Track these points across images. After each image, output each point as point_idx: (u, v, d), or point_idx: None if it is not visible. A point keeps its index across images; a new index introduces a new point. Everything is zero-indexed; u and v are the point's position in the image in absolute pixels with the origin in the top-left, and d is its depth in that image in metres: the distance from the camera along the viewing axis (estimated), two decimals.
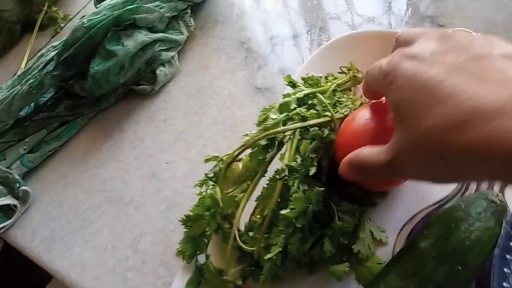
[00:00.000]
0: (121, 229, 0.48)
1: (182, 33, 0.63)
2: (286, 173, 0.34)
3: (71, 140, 0.60)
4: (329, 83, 0.41)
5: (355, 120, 0.34)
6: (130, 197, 0.51)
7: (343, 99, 0.39)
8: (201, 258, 0.37)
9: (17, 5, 0.82)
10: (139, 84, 0.61)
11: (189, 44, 0.64)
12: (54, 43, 0.60)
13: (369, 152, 0.27)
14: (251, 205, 0.38)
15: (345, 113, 0.37)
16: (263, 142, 0.36)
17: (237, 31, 0.63)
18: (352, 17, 0.59)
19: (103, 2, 0.61)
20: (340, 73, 0.44)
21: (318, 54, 0.48)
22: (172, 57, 0.62)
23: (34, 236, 0.51)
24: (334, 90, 0.40)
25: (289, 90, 0.43)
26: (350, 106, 0.38)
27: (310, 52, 0.57)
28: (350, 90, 0.44)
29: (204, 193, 0.39)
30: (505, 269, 0.27)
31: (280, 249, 0.31)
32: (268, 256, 0.31)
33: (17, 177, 0.55)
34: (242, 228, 0.38)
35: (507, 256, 0.27)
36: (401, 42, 0.27)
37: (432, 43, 0.24)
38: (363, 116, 0.34)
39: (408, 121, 0.23)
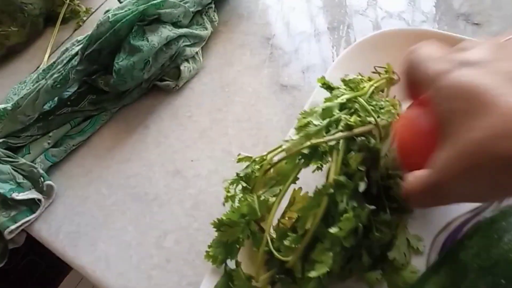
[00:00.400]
0: (145, 226, 0.48)
1: (206, 28, 0.63)
2: (333, 188, 0.32)
3: (95, 135, 0.60)
4: (367, 85, 0.40)
5: (413, 123, 0.32)
6: (155, 194, 0.50)
7: (382, 103, 0.38)
8: (230, 263, 0.37)
9: None
10: (162, 80, 0.60)
11: (213, 39, 0.64)
12: (79, 38, 0.60)
13: (411, 179, 0.26)
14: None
15: (389, 119, 0.36)
16: (305, 151, 0.35)
17: (262, 26, 0.62)
18: (376, 13, 0.58)
19: None
20: (373, 73, 0.43)
21: (347, 53, 0.47)
22: (196, 52, 0.61)
23: (58, 231, 0.52)
24: (372, 93, 0.39)
25: (319, 91, 0.42)
26: (393, 111, 0.37)
27: (336, 50, 0.55)
28: (383, 91, 0.43)
29: (233, 192, 0.38)
30: None
31: (328, 269, 0.30)
32: (314, 274, 0.30)
33: (41, 171, 0.55)
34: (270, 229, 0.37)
35: None
36: (456, 49, 0.26)
37: (487, 50, 0.23)
38: (419, 118, 0.30)
39: (455, 132, 0.22)
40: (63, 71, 0.57)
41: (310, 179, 0.39)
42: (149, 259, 0.45)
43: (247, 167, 0.39)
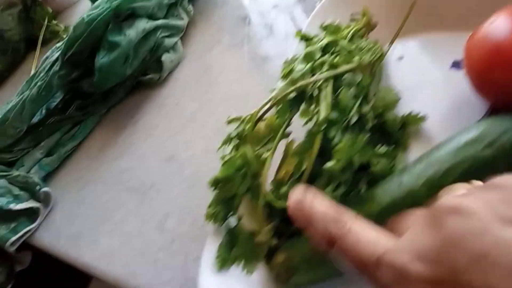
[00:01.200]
0: (145, 214, 0.47)
1: (182, 19, 0.63)
2: (325, 126, 0.32)
3: (86, 139, 0.60)
4: (346, 31, 0.39)
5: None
6: (151, 182, 0.49)
7: (363, 44, 0.38)
8: (231, 221, 0.36)
9: (18, 23, 0.83)
10: (146, 74, 0.60)
11: (191, 29, 0.64)
12: (57, 44, 0.60)
13: None
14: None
15: (372, 57, 0.36)
16: (292, 95, 0.35)
17: (237, 9, 0.63)
18: None
19: None
20: (352, 20, 0.43)
21: (323, 5, 0.46)
22: (176, 43, 0.61)
23: (59, 236, 0.51)
24: (352, 37, 0.38)
25: (298, 48, 0.42)
26: (374, 49, 0.36)
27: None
28: (363, 37, 0.42)
29: (227, 156, 0.37)
30: None
31: None
32: None
33: (37, 180, 0.54)
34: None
35: None
36: None
37: None
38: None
39: None
40: (46, 78, 0.57)
41: (302, 135, 0.38)
42: (153, 244, 0.44)
43: (238, 127, 0.38)
